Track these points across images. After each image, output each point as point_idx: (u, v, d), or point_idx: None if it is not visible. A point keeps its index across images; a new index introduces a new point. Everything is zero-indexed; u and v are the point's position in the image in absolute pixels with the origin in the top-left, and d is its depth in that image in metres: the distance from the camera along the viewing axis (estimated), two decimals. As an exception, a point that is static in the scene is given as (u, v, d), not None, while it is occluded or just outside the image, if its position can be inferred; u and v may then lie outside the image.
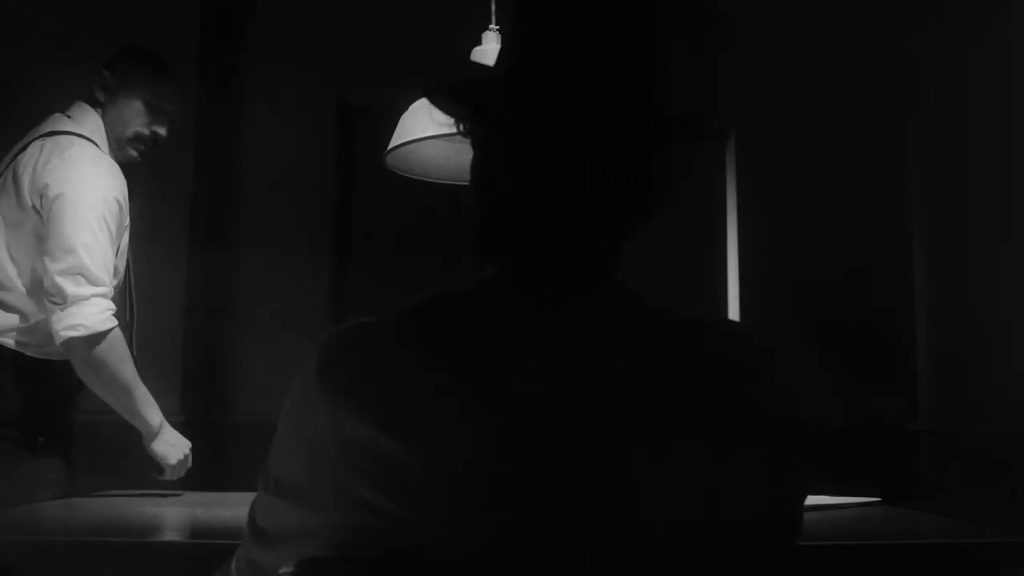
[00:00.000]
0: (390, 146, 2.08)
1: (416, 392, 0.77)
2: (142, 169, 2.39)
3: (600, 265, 0.88)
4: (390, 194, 3.20)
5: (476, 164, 0.91)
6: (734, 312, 3.68)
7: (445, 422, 0.76)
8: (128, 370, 2.09)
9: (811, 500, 1.76)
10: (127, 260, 2.29)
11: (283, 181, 3.82)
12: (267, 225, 3.78)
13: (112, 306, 2.08)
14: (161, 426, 2.16)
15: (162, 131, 2.24)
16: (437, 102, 0.94)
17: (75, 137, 2.15)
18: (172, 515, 1.76)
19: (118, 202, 2.11)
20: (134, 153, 2.23)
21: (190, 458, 2.21)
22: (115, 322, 2.07)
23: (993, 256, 3.01)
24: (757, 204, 3.63)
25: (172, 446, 2.16)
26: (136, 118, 2.20)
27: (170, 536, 1.55)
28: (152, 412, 2.14)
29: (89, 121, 2.20)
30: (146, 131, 2.22)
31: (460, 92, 0.93)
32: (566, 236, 0.86)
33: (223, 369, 3.73)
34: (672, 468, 0.76)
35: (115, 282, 2.19)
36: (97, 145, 2.17)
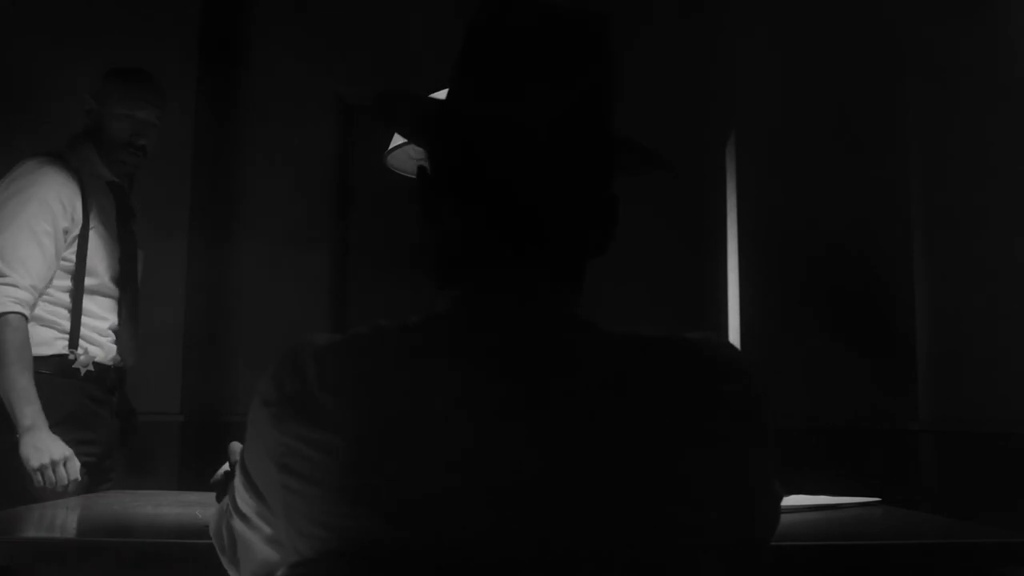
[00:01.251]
0: (391, 146, 2.09)
1: (344, 423, 0.77)
2: (143, 169, 2.48)
3: (549, 300, 0.87)
4: (390, 194, 3.20)
5: (424, 197, 0.90)
6: (734, 312, 3.69)
7: (368, 461, 0.76)
8: (9, 358, 2.13)
9: (811, 500, 1.77)
10: (119, 259, 2.38)
11: (283, 181, 3.82)
12: (267, 225, 3.78)
13: (13, 294, 2.16)
14: (31, 427, 2.11)
15: (143, 140, 2.41)
16: (399, 132, 0.96)
17: (31, 158, 2.31)
18: (172, 515, 1.76)
19: (47, 203, 2.23)
20: (126, 165, 2.43)
21: (70, 470, 2.12)
22: (6, 308, 2.14)
23: (994, 255, 3.01)
24: (757, 204, 3.63)
25: (36, 449, 2.10)
26: (118, 132, 2.38)
27: (170, 536, 1.55)
28: (26, 409, 2.12)
29: (67, 148, 2.37)
30: (128, 141, 2.39)
31: (416, 123, 0.93)
32: (510, 273, 0.86)
33: (223, 369, 3.73)
34: (633, 497, 0.76)
35: (96, 280, 2.32)
36: (63, 159, 2.32)
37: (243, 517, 0.86)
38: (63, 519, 1.69)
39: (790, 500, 1.73)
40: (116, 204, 2.43)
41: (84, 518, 1.71)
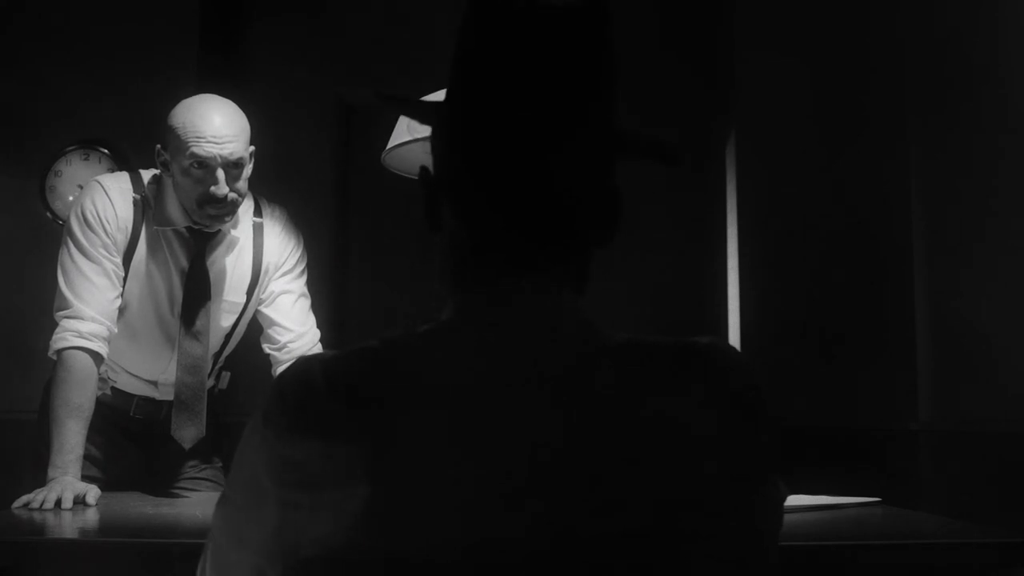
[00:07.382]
0: (389, 146, 2.09)
1: (354, 433, 0.76)
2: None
3: (556, 304, 0.86)
4: (389, 194, 3.21)
5: (426, 199, 0.89)
6: (734, 312, 3.68)
7: (379, 470, 0.75)
8: (54, 403, 1.96)
9: (811, 500, 1.77)
10: (173, 303, 2.15)
11: (282, 181, 3.82)
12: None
13: (71, 327, 2.00)
14: (52, 479, 1.88)
15: (219, 190, 2.01)
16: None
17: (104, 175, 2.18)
18: (172, 515, 1.76)
19: (86, 219, 2.04)
20: (209, 219, 2.07)
21: (59, 499, 1.79)
22: (62, 343, 1.99)
23: (994, 255, 3.01)
24: (757, 204, 3.63)
25: (41, 491, 1.83)
26: (190, 186, 2.02)
27: (170, 536, 1.55)
28: (55, 460, 1.91)
29: (137, 174, 2.16)
30: (207, 199, 2.03)
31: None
32: (517, 276, 0.85)
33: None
34: (633, 499, 0.76)
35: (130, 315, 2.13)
36: (129, 179, 2.13)
37: (225, 552, 0.85)
38: (63, 519, 1.69)
39: (790, 500, 1.73)
40: (185, 247, 2.14)
41: (84, 518, 1.71)
